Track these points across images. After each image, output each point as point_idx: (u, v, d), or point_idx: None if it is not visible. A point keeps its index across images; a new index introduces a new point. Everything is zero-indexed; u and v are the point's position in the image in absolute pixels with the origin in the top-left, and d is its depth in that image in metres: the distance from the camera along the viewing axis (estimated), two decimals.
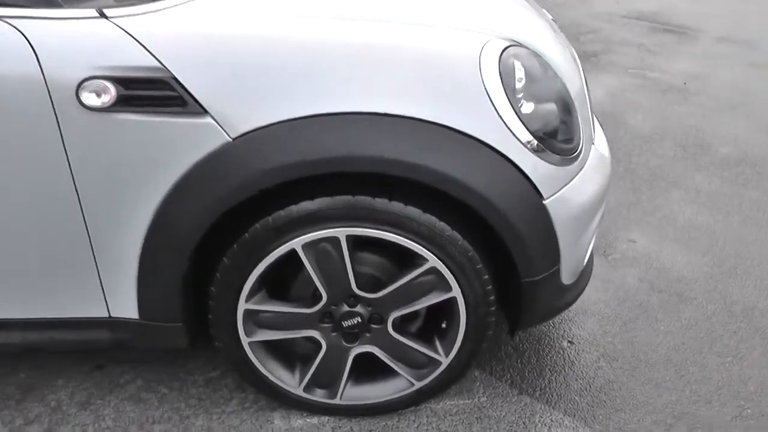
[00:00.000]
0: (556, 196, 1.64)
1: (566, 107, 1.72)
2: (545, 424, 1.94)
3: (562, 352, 2.21)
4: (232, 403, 1.95)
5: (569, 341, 2.26)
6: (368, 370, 1.87)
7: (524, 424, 1.94)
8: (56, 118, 1.46)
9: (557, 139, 1.66)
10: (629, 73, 4.79)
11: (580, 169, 1.74)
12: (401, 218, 1.54)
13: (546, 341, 2.26)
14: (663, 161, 3.50)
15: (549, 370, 2.13)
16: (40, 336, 1.74)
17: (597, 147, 1.94)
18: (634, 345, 2.25)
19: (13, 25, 1.44)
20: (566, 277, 1.82)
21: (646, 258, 2.70)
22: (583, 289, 2.00)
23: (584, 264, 1.96)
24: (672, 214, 3.02)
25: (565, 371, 2.13)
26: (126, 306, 1.69)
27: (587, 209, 1.75)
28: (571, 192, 1.68)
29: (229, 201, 1.49)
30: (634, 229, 2.89)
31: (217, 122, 1.45)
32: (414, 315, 1.84)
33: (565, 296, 1.90)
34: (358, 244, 1.62)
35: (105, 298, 1.68)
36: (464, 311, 1.68)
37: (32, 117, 1.46)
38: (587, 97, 1.96)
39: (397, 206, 1.53)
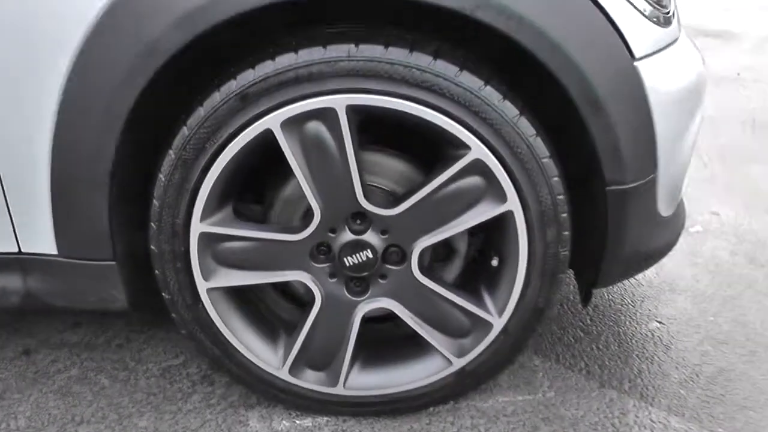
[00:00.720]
0: (651, 58, 1.12)
1: None
2: (644, 426, 1.34)
3: (651, 335, 1.63)
4: (193, 399, 1.38)
5: (658, 322, 1.68)
6: (382, 347, 1.32)
7: (613, 425, 1.34)
8: None
9: None
10: None
11: (676, 40, 1.23)
12: (428, 77, 1.02)
13: (626, 323, 1.67)
14: (732, 139, 2.96)
15: (637, 357, 1.54)
16: None
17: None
18: (745, 325, 1.66)
19: None
20: (663, 203, 1.27)
21: (735, 230, 2.13)
22: (681, 231, 1.44)
23: (681, 193, 1.41)
24: (756, 188, 2.45)
25: (659, 358, 1.54)
26: (41, 237, 1.17)
27: (689, 93, 1.23)
28: (668, 60, 1.17)
29: (166, 47, 0.99)
30: (713, 202, 2.33)
31: None
32: (449, 255, 1.29)
33: (662, 233, 1.34)
34: (362, 138, 1.10)
35: (12, 224, 1.17)
36: (525, 234, 1.13)
37: None
38: None
39: (422, 59, 1.02)
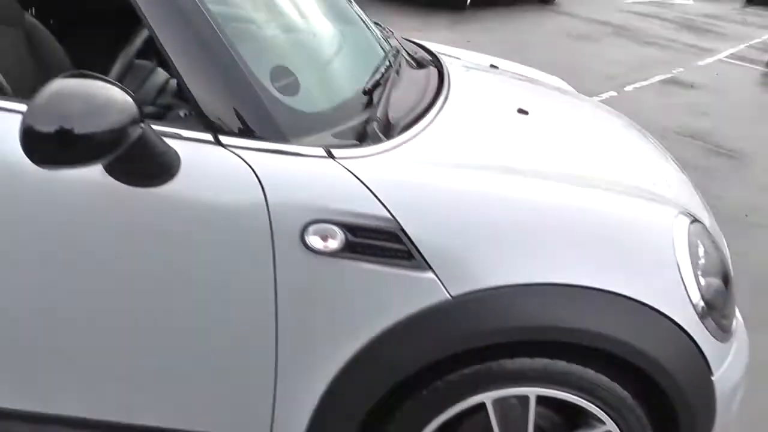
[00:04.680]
0: (721, 372, 1.66)
1: (727, 282, 1.77)
2: None
3: None
4: None
5: None
6: None
7: None
8: (273, 251, 1.46)
9: (720, 315, 1.69)
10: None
11: (732, 345, 1.76)
12: (591, 384, 1.58)
13: None
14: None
15: None
16: None
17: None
18: None
19: (240, 156, 1.46)
20: None
21: None
22: None
23: None
24: None
25: None
26: None
27: (738, 388, 1.78)
28: (730, 370, 1.70)
29: (434, 353, 1.53)
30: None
31: (439, 279, 1.48)
32: None
33: None
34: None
35: (271, 429, 1.64)
36: None
37: (250, 248, 1.48)
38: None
39: (590, 374, 1.58)
